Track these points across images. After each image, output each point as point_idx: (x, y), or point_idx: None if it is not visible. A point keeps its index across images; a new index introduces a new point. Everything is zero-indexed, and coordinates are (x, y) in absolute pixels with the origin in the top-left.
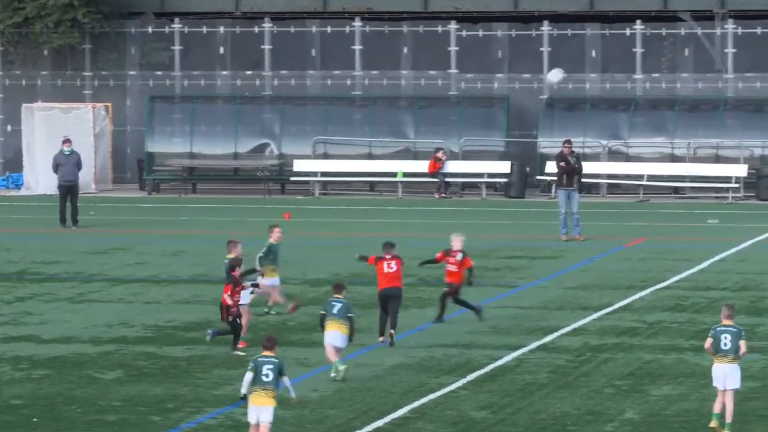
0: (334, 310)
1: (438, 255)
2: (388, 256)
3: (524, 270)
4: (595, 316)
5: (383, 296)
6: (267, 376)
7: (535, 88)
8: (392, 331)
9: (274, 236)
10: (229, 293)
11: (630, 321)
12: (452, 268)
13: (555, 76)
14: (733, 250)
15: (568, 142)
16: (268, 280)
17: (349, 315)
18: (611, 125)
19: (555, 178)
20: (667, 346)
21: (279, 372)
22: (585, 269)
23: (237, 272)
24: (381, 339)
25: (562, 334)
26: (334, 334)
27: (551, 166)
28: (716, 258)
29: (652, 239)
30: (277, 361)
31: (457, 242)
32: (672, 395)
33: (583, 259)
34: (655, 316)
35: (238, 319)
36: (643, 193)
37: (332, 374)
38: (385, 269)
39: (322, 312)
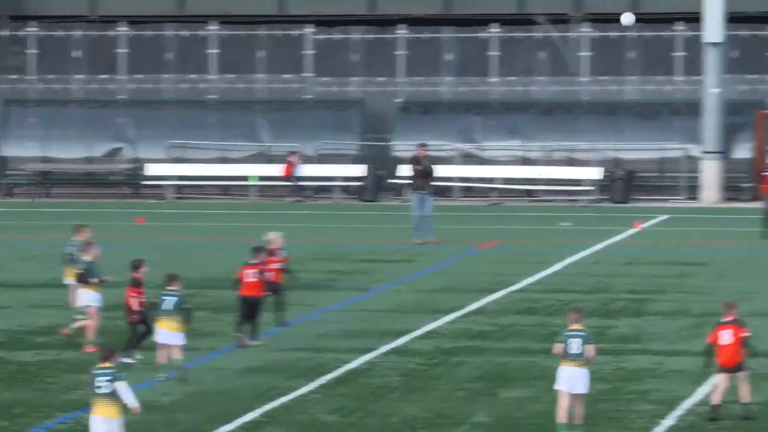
0: (165, 305)
1: (261, 258)
2: (254, 262)
3: (377, 273)
4: (447, 319)
5: (244, 302)
6: (102, 388)
7: (390, 92)
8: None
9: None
10: (134, 296)
11: (482, 324)
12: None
13: (628, 18)
14: (586, 252)
15: (423, 145)
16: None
17: (185, 307)
18: (466, 128)
19: (409, 181)
20: (518, 348)
21: (115, 382)
22: (438, 272)
23: (140, 273)
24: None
25: (414, 337)
26: (163, 332)
27: (405, 170)
28: (569, 261)
29: (506, 242)
30: (112, 371)
31: (277, 240)
32: (523, 398)
33: (436, 262)
34: (507, 319)
35: (141, 324)
36: (497, 196)
37: (160, 375)
38: (248, 277)
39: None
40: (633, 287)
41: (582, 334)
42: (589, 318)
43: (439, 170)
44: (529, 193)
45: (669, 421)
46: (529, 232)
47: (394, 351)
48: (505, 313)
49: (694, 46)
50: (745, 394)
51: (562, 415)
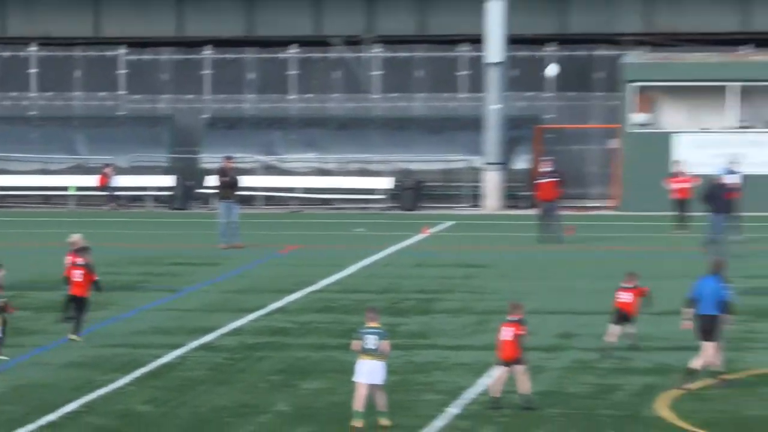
0: None
1: (87, 259)
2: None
3: (187, 275)
4: (251, 317)
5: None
6: None
7: (197, 109)
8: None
9: None
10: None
11: (283, 321)
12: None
13: (552, 70)
14: (378, 256)
15: (229, 158)
16: None
17: None
18: (267, 142)
19: (216, 191)
20: (316, 344)
21: None
22: (243, 275)
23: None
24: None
25: (220, 334)
26: None
27: (212, 180)
28: (363, 263)
29: (305, 247)
30: None
31: (79, 242)
32: (321, 389)
33: (241, 265)
34: (306, 317)
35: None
36: (297, 205)
37: None
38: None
39: None
40: (421, 287)
41: (378, 331)
42: (381, 316)
43: (244, 181)
44: (326, 201)
45: (454, 409)
46: (327, 237)
47: (203, 347)
48: (304, 311)
49: (477, 65)
50: (523, 385)
51: (359, 404)
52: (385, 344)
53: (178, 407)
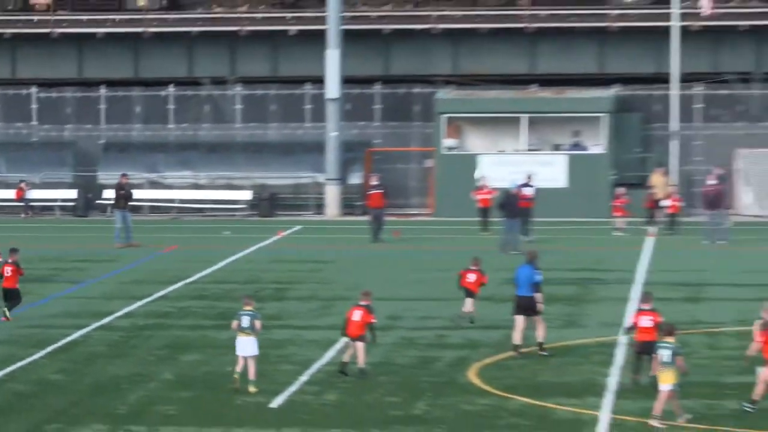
0: None
1: (14, 257)
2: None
3: (89, 270)
4: (140, 303)
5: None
6: None
7: (95, 136)
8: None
9: None
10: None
11: (166, 307)
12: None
13: (478, 173)
14: (242, 253)
15: (125, 175)
16: None
17: None
18: (151, 162)
19: (114, 201)
20: (193, 325)
21: None
22: (134, 269)
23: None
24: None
25: (116, 317)
26: None
27: (109, 193)
28: (229, 260)
29: (183, 247)
30: None
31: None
32: (197, 361)
33: (132, 262)
34: (184, 303)
35: None
36: (176, 213)
37: None
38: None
39: None
40: (277, 279)
41: (251, 312)
42: (234, 299)
43: (136, 193)
44: (199, 210)
45: (304, 377)
46: (200, 239)
47: (102, 327)
48: (182, 298)
49: (319, 101)
50: (360, 358)
51: (239, 368)
52: (258, 323)
53: (83, 376)
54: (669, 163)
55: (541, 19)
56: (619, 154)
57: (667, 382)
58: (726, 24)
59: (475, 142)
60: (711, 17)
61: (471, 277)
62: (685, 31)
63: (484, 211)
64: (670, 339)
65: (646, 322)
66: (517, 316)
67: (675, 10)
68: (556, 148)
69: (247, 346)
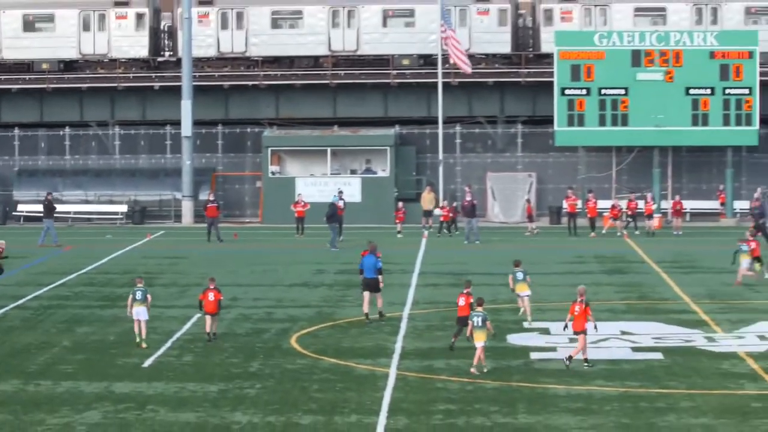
0: None
1: None
2: None
3: (10, 264)
4: (46, 288)
5: None
6: None
7: (11, 164)
8: None
9: None
10: None
11: (65, 291)
12: None
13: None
14: (120, 251)
15: (50, 193)
16: None
17: None
18: (54, 184)
19: (42, 213)
20: (85, 305)
21: None
22: (42, 264)
23: None
24: None
25: (29, 298)
26: None
27: (25, 207)
28: (112, 256)
29: (78, 246)
30: None
31: None
32: (89, 332)
33: (40, 258)
34: (78, 288)
35: None
36: (72, 222)
37: None
38: None
39: None
40: (146, 270)
41: (143, 289)
42: (123, 288)
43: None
44: (89, 219)
45: (168, 344)
46: (90, 241)
47: (18, 307)
48: (77, 285)
49: (177, 137)
50: (213, 327)
51: (136, 331)
52: (149, 297)
53: (2, 344)
54: (437, 183)
55: (340, 77)
56: (399, 176)
57: (480, 340)
58: (477, 80)
59: (292, 168)
60: (467, 75)
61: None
62: (448, 85)
63: (300, 220)
64: (480, 309)
65: (461, 301)
66: (365, 293)
67: (439, 70)
68: (353, 172)
69: (141, 313)
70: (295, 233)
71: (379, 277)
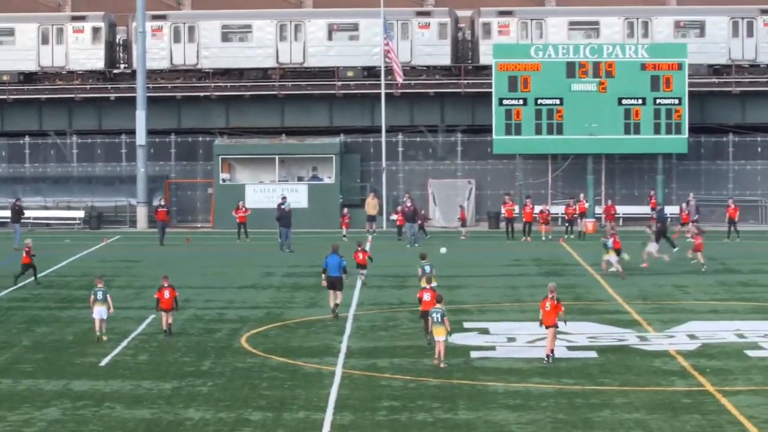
0: None
1: None
2: None
3: None
4: (6, 291)
5: None
6: None
7: None
8: None
9: None
10: None
11: (25, 294)
12: None
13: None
14: (79, 255)
15: (19, 199)
16: None
17: None
18: (14, 191)
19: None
20: (44, 306)
21: None
22: (4, 267)
23: None
24: None
25: None
26: None
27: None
28: (70, 260)
29: (36, 251)
30: None
31: None
32: (47, 332)
33: (1, 261)
34: (37, 291)
35: None
36: (32, 227)
37: None
38: None
39: None
40: (103, 273)
41: (103, 289)
42: (81, 291)
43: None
44: (48, 225)
45: (124, 343)
46: (49, 245)
47: None
48: (37, 288)
49: (132, 146)
50: (167, 323)
51: (96, 329)
52: (108, 297)
53: None
54: (381, 189)
55: (288, 88)
56: (344, 183)
57: (440, 334)
58: (419, 91)
59: (242, 175)
60: (409, 87)
61: (165, 294)
62: (390, 96)
63: (242, 225)
64: (440, 305)
65: (426, 296)
66: (330, 291)
67: (382, 81)
68: (300, 179)
69: (101, 312)
70: (236, 238)
71: (343, 275)
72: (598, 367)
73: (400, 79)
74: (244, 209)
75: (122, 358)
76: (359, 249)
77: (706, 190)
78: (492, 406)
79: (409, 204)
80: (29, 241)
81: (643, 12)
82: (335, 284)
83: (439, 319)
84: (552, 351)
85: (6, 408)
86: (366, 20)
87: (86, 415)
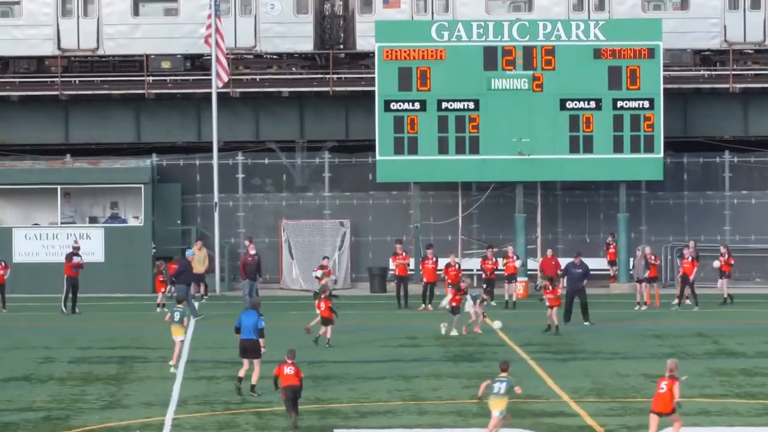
0: None
1: None
2: None
3: None
4: None
5: None
6: None
7: None
8: None
9: None
10: None
11: None
12: None
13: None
14: None
15: None
16: None
17: None
18: None
19: None
20: None
21: None
22: None
23: None
24: None
25: None
26: None
27: None
28: None
29: None
30: None
31: None
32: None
33: None
34: None
35: None
36: None
37: None
38: None
39: None
40: None
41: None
42: None
43: None
44: None
45: None
46: None
47: None
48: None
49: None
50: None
51: None
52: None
53: None
54: (212, 235)
55: (75, 86)
56: (159, 225)
57: (499, 408)
58: (267, 90)
59: (7, 215)
60: (247, 84)
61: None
62: (226, 98)
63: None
64: (505, 374)
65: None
66: (243, 359)
67: (213, 76)
68: (93, 220)
69: None
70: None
71: (261, 340)
72: None
73: (223, 78)
74: (3, 265)
75: None
76: (322, 297)
77: (692, 234)
78: None
79: (252, 252)
80: None
81: None
82: (248, 351)
83: (504, 390)
84: None
85: None
86: None
87: None
